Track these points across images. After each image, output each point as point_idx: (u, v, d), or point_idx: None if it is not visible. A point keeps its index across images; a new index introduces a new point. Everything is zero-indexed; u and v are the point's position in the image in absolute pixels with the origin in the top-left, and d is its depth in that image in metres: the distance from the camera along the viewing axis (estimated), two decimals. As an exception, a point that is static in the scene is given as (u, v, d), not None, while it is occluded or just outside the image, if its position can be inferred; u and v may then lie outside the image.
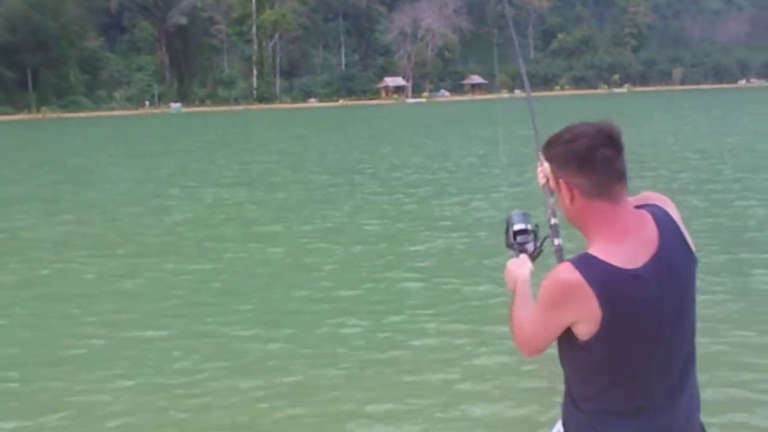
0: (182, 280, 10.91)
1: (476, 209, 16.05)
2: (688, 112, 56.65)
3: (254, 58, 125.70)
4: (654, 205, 2.48)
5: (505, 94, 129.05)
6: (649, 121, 44.33)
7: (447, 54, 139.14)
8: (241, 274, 11.20)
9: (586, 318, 2.32)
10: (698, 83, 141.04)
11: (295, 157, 30.98)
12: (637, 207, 2.48)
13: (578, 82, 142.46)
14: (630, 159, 2.41)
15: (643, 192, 2.60)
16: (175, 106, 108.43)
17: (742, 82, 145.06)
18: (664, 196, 2.57)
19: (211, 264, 11.83)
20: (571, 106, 75.24)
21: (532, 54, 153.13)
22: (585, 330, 2.35)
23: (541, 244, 2.92)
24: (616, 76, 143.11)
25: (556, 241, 2.83)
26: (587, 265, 2.32)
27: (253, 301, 9.70)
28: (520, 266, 2.76)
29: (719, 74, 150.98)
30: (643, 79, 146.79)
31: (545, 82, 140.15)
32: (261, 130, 54.56)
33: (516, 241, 2.94)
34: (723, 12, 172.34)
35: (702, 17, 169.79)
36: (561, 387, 2.63)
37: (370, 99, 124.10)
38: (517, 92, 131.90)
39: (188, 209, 17.65)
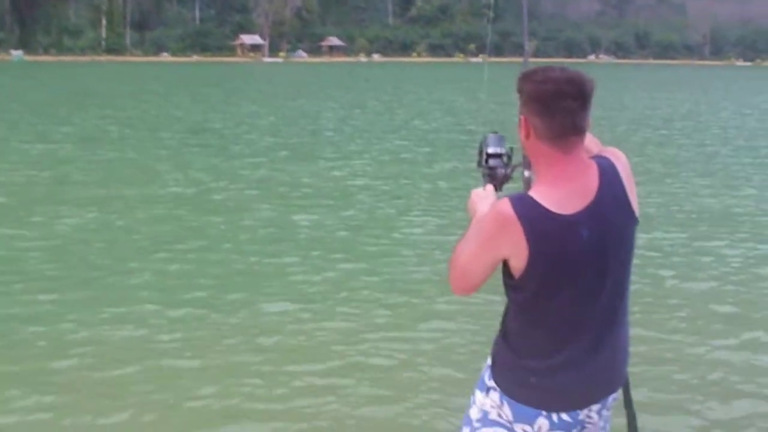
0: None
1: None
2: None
3: (103, 7, 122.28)
4: (605, 158, 2.58)
5: (363, 58, 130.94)
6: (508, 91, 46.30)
7: (305, 14, 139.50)
8: (54, 239, 10.20)
9: (516, 255, 2.46)
10: (551, 57, 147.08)
11: (138, 114, 29.14)
12: (592, 157, 2.59)
13: (435, 49, 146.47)
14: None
15: (609, 147, 2.71)
16: (16, 53, 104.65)
17: (592, 57, 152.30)
18: (620, 153, 2.66)
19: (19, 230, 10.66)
20: (428, 73, 77.02)
21: (390, 20, 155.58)
22: (516, 266, 2.50)
23: (511, 171, 2.96)
24: (472, 46, 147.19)
25: (526, 173, 2.89)
26: (522, 203, 2.45)
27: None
28: (482, 200, 2.82)
29: (570, 49, 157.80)
30: (498, 50, 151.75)
31: (403, 48, 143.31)
32: (110, 83, 52.29)
33: (487, 165, 2.98)
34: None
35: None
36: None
37: (226, 56, 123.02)
38: (375, 56, 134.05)
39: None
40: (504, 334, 2.71)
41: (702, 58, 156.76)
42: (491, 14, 4.74)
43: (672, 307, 7.52)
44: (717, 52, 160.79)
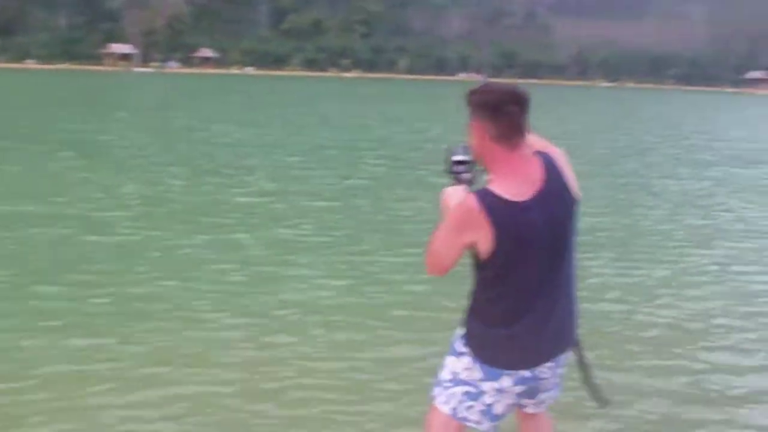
0: None
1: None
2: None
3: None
4: (544, 153, 3.17)
5: (236, 70, 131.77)
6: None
7: (178, 25, 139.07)
8: None
9: (482, 239, 3.02)
10: (422, 74, 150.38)
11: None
12: (535, 152, 3.16)
13: (309, 63, 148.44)
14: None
15: (543, 141, 3.30)
16: None
17: (462, 75, 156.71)
18: (556, 148, 3.28)
19: None
20: (306, 87, 76.46)
21: (264, 32, 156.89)
22: (482, 249, 3.06)
23: (474, 176, 3.45)
24: (346, 61, 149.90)
25: (486, 176, 3.26)
26: (484, 196, 3.01)
27: None
28: (452, 197, 3.31)
29: (441, 66, 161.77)
30: (371, 66, 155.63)
31: (277, 61, 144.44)
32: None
33: (454, 171, 3.48)
34: (446, 7, 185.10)
35: (426, 11, 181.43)
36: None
37: (94, 65, 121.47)
38: (249, 69, 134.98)
39: None
40: (473, 309, 3.27)
41: (568, 78, 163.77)
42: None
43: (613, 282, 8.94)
44: (582, 73, 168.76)
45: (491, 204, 2.99)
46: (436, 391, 3.39)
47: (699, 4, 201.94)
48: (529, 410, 3.51)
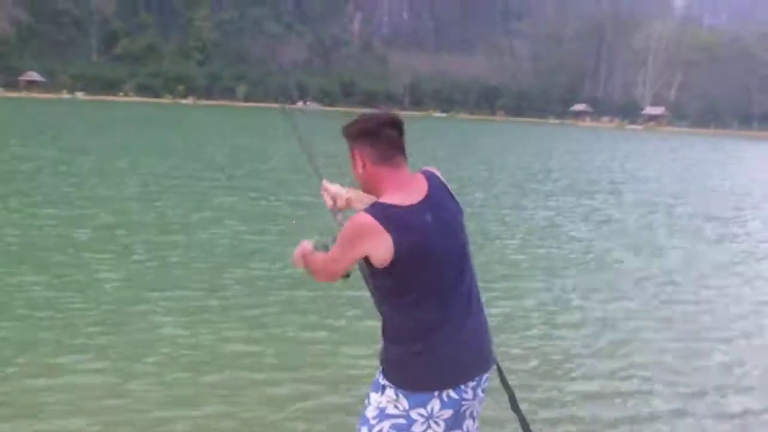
0: None
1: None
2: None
3: None
4: (425, 170, 3.35)
5: (65, 95, 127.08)
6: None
7: (2, 47, 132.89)
8: None
9: (380, 247, 3.10)
10: (261, 101, 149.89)
11: None
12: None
13: (143, 89, 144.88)
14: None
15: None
16: None
17: (300, 104, 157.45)
18: (433, 168, 3.43)
19: None
20: (141, 113, 74.63)
21: (95, 57, 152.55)
22: (381, 258, 3.13)
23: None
24: (182, 87, 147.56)
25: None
26: (375, 208, 3.15)
27: None
28: (302, 246, 3.55)
29: (280, 94, 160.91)
30: (208, 93, 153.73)
31: (109, 86, 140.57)
32: None
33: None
34: (283, 36, 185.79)
35: (263, 38, 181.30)
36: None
37: None
38: (79, 94, 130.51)
39: None
40: (387, 338, 3.32)
41: (403, 107, 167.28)
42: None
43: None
44: (417, 103, 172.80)
45: (383, 212, 3.11)
46: (362, 430, 3.32)
47: (523, 39, 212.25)
48: None
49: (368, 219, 3.11)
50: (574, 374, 7.36)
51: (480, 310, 3.40)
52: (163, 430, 5.70)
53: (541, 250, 13.99)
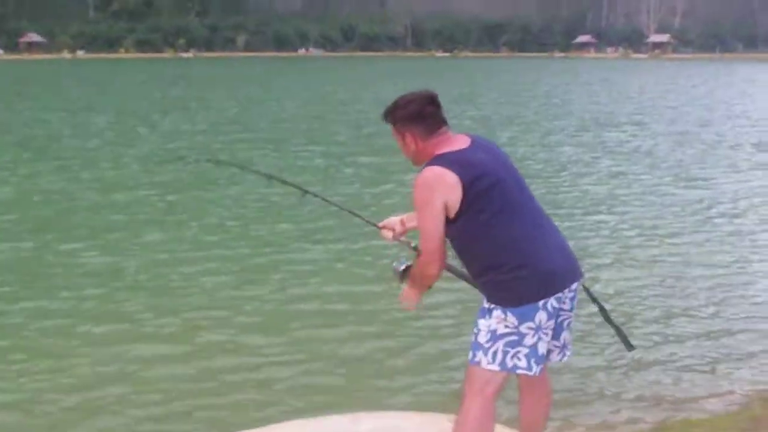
0: None
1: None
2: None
3: None
4: (466, 134, 3.65)
5: (66, 55, 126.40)
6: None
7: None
8: None
9: (451, 189, 3.35)
10: (261, 51, 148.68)
11: None
12: None
13: (143, 45, 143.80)
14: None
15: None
16: None
17: (302, 51, 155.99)
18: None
19: None
20: (138, 70, 74.87)
21: (91, 14, 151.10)
22: (455, 200, 3.36)
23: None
24: (182, 41, 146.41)
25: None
26: (432, 161, 3.45)
27: None
28: (404, 290, 3.79)
29: (280, 43, 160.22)
30: (208, 45, 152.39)
31: (108, 44, 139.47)
32: None
33: (403, 278, 3.84)
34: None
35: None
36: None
37: None
38: (80, 53, 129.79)
39: None
40: (482, 269, 3.53)
41: (405, 49, 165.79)
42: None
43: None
44: (419, 44, 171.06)
45: (440, 160, 3.40)
46: (478, 355, 3.53)
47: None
48: (554, 357, 3.71)
49: (429, 171, 3.40)
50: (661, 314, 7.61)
51: (557, 229, 3.66)
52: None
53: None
